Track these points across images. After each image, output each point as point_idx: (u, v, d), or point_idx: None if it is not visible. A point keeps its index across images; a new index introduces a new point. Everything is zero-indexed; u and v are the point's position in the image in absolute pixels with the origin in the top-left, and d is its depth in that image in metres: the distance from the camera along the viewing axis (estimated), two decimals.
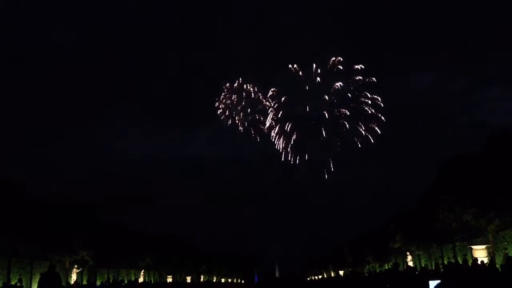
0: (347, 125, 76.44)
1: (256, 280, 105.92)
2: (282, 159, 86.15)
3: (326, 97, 76.99)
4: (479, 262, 20.88)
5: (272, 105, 77.75)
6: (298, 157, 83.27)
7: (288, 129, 79.58)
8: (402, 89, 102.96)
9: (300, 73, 74.64)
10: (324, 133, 77.94)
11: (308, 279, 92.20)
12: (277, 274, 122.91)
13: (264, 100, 77.51)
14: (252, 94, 77.44)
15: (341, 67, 74.75)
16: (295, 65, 74.49)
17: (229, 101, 78.72)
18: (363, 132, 75.04)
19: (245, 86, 77.76)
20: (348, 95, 77.48)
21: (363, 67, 73.07)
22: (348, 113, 77.01)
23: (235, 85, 79.12)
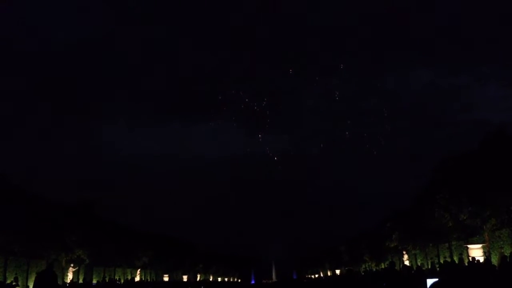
0: (347, 134, 76.93)
1: (253, 281, 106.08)
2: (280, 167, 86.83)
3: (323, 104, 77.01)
4: (476, 261, 20.97)
5: (267, 113, 78.05)
6: (296, 163, 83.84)
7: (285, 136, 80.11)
8: (401, 88, 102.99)
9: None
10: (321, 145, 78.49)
11: (308, 276, 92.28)
12: (273, 273, 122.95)
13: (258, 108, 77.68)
14: (249, 102, 77.58)
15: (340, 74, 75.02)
16: (290, 70, 74.54)
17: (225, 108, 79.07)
18: (365, 139, 75.54)
19: (241, 93, 77.89)
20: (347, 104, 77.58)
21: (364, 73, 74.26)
22: (349, 122, 77.15)
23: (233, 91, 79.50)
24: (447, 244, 33.75)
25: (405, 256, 40.32)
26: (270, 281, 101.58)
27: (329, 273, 76.37)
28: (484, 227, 25.06)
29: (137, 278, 48.76)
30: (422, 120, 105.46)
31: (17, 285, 25.57)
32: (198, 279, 76.16)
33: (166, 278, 55.11)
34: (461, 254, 29.33)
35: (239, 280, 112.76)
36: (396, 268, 23.10)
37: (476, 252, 24.41)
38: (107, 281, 37.33)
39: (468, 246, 25.99)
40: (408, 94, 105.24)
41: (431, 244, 36.22)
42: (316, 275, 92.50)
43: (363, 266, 54.95)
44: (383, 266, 45.31)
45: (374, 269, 44.61)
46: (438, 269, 24.43)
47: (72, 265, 35.26)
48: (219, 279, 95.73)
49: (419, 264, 34.09)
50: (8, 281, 27.19)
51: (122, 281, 41.84)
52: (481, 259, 22.44)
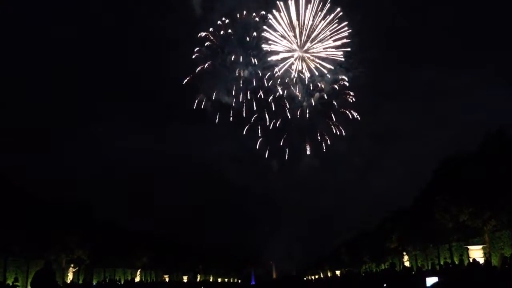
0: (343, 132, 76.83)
1: (253, 282, 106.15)
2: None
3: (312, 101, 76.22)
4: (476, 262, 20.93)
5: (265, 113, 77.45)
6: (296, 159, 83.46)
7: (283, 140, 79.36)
8: (401, 87, 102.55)
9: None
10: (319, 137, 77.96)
11: (305, 279, 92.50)
12: (273, 274, 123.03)
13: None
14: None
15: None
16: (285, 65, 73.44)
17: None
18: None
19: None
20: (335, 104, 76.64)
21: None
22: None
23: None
24: (447, 245, 33.70)
25: (405, 257, 40.27)
26: (269, 280, 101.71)
27: (329, 274, 76.34)
28: (485, 228, 25.02)
29: (137, 279, 48.71)
30: (422, 120, 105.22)
31: (17, 285, 25.52)
32: (198, 279, 76.14)
33: (166, 279, 55.10)
34: (461, 255, 29.29)
35: (239, 281, 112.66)
36: (396, 269, 23.09)
37: (476, 253, 24.40)
38: (107, 281, 37.29)
39: (469, 247, 25.97)
40: (408, 93, 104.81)
41: (431, 245, 36.18)
42: (316, 276, 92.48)
43: (363, 267, 54.90)
44: (383, 267, 45.25)
45: (374, 270, 44.57)
46: (438, 270, 24.39)
47: (72, 265, 35.23)
48: (219, 280, 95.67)
49: (420, 265, 34.05)
50: (9, 281, 27.17)
51: (122, 281, 41.80)
52: (482, 260, 22.40)
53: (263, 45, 71.10)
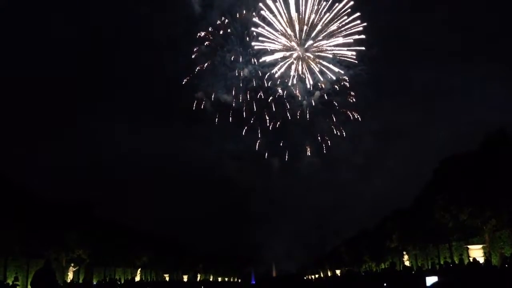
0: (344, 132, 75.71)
1: (253, 281, 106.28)
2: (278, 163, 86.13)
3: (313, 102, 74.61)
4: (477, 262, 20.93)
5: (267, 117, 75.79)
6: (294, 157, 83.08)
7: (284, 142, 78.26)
8: (401, 86, 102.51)
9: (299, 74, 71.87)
10: (319, 138, 77.47)
11: (305, 278, 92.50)
12: (273, 274, 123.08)
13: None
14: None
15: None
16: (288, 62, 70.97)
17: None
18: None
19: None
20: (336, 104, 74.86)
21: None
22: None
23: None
24: (447, 245, 33.74)
25: (406, 257, 40.27)
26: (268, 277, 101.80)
27: (329, 274, 76.35)
28: (485, 227, 25.05)
29: (137, 278, 48.72)
30: (422, 120, 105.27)
31: (18, 284, 25.54)
32: (198, 279, 76.19)
33: (166, 278, 55.14)
34: (461, 254, 29.34)
35: (239, 280, 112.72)
36: (396, 268, 23.08)
37: (476, 252, 24.40)
38: (107, 280, 37.29)
39: (469, 246, 25.99)
40: (408, 93, 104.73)
41: (431, 245, 36.20)
42: (316, 275, 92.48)
43: (364, 267, 54.91)
44: (383, 267, 45.26)
45: (374, 270, 44.58)
46: (438, 269, 24.41)
47: (72, 264, 35.24)
48: (219, 279, 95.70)
49: (420, 265, 34.07)
50: (9, 281, 27.18)
51: (122, 280, 41.80)
52: (482, 260, 22.41)
53: (253, 43, 67.65)
